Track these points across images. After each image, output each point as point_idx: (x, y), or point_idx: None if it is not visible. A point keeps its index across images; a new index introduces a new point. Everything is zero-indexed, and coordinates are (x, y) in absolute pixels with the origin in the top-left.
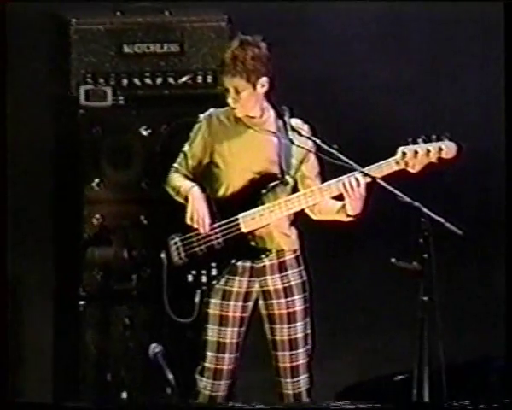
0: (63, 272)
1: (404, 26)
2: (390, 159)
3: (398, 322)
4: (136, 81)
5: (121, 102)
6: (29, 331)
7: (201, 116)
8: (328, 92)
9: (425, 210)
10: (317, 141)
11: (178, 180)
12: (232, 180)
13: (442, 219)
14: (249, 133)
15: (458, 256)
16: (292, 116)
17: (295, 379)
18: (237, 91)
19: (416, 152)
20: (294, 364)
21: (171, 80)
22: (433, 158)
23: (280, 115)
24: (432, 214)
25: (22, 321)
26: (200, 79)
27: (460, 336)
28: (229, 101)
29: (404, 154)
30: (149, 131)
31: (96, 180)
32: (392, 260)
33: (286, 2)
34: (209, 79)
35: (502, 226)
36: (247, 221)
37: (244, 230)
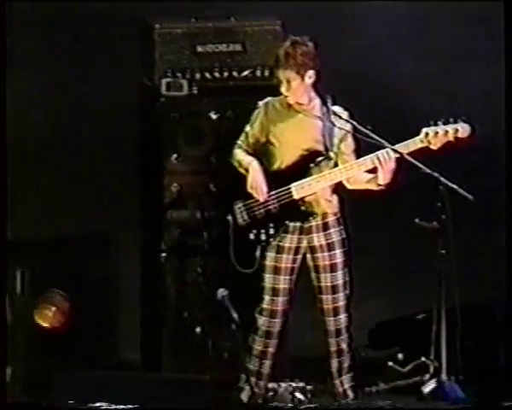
0: (148, 230)
1: (426, 27)
2: (415, 138)
3: (420, 271)
4: (207, 75)
5: (195, 91)
6: (122, 280)
7: (260, 103)
8: (363, 83)
9: (442, 179)
10: (354, 123)
11: (241, 155)
12: (285, 156)
13: (456, 187)
14: (299, 117)
15: (468, 217)
16: (334, 103)
17: (336, 318)
18: (289, 82)
19: (436, 132)
20: (335, 305)
21: (235, 74)
22: (450, 137)
23: (324, 102)
24: (448, 183)
25: (117, 272)
26: (258, 72)
27: (471, 281)
28: (283, 90)
29: (426, 134)
30: (217, 115)
31: (174, 155)
32: (416, 220)
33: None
34: (266, 72)
35: (503, 194)
36: (298, 190)
37: (295, 196)
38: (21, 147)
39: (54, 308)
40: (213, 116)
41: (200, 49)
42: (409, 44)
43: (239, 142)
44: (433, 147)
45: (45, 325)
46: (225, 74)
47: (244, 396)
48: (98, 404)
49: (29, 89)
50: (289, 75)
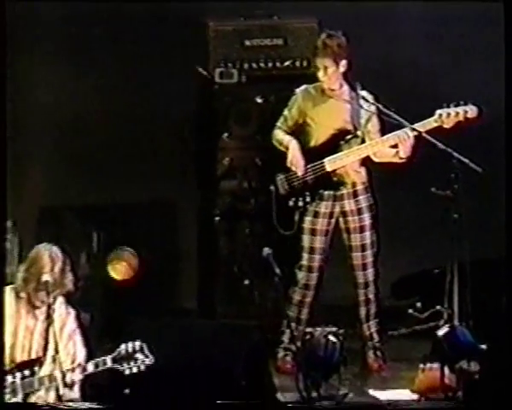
0: (205, 197)
1: (444, 26)
2: (430, 118)
3: (436, 232)
4: (254, 65)
5: (243, 80)
6: (182, 239)
7: (297, 90)
8: (387, 72)
9: (455, 154)
10: (379, 106)
11: (281, 135)
12: (319, 135)
13: (467, 160)
14: (331, 101)
15: (478, 186)
16: (362, 89)
17: (365, 272)
18: (326, 69)
19: (448, 113)
20: (364, 262)
21: (277, 64)
22: (461, 117)
23: (353, 88)
24: (460, 157)
25: (178, 233)
26: (297, 63)
27: (478, 241)
28: (320, 75)
29: (440, 115)
30: (262, 99)
31: (226, 134)
32: (433, 189)
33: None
34: (304, 63)
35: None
36: (331, 163)
37: (328, 169)
38: (92, 122)
39: (124, 263)
40: (259, 100)
41: (247, 43)
42: (428, 40)
43: (278, 124)
44: (445, 126)
45: (117, 277)
46: (269, 65)
47: (285, 338)
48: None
49: (107, 76)
50: (327, 63)
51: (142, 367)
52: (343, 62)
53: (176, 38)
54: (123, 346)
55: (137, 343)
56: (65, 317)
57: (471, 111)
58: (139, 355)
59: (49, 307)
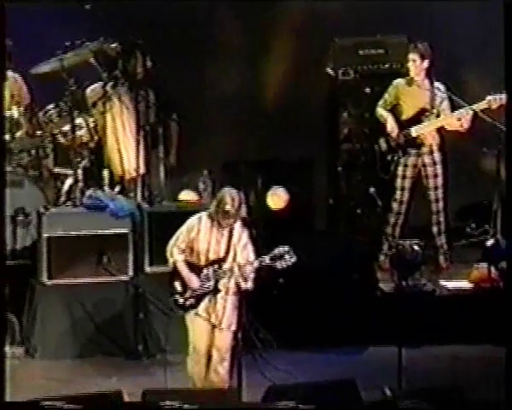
0: (331, 155)
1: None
2: (482, 102)
3: (485, 178)
4: (364, 67)
5: (357, 77)
6: (317, 186)
7: (394, 81)
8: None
9: (498, 125)
10: (449, 93)
11: (382, 112)
12: (408, 111)
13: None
14: (416, 89)
15: None
16: (437, 80)
17: (437, 204)
18: (414, 61)
19: (495, 98)
20: (437, 197)
21: (380, 66)
22: (503, 102)
23: (431, 80)
24: (502, 127)
25: (314, 181)
26: (394, 66)
27: None
28: (409, 65)
29: (489, 100)
30: (370, 90)
31: (345, 113)
32: (484, 149)
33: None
34: (398, 65)
35: None
36: (416, 131)
37: (414, 134)
38: (262, 105)
39: (277, 198)
40: (367, 91)
41: (361, 52)
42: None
43: (380, 103)
44: (493, 107)
45: (273, 207)
46: (375, 67)
47: (385, 247)
48: None
49: (268, 76)
50: (415, 57)
51: (290, 264)
52: (426, 61)
53: (313, 49)
54: (276, 249)
55: (286, 248)
56: (241, 233)
57: (505, 97)
58: (287, 256)
59: (231, 227)
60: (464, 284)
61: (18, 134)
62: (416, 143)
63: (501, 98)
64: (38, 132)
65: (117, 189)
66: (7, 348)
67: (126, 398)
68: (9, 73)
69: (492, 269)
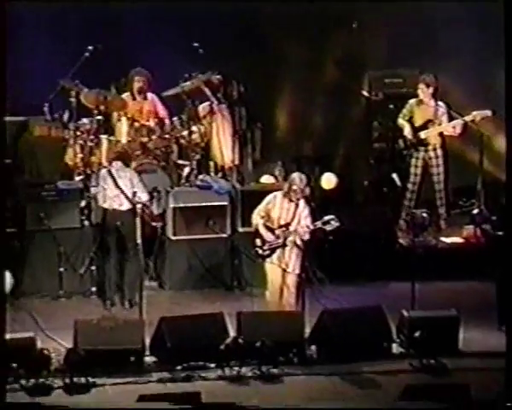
0: (365, 153)
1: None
2: (469, 115)
3: (472, 168)
4: (389, 91)
5: (384, 97)
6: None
7: (409, 101)
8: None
9: (481, 130)
10: (448, 109)
11: (401, 121)
12: (418, 121)
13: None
14: (424, 107)
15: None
16: (440, 100)
17: (439, 183)
18: (422, 89)
19: (479, 114)
20: (439, 181)
21: (400, 90)
22: (487, 115)
23: (436, 100)
24: (485, 132)
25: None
26: (409, 90)
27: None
28: (419, 92)
29: (474, 115)
30: (393, 106)
31: (376, 122)
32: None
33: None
34: (412, 90)
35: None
36: (424, 134)
37: (423, 137)
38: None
39: (328, 181)
40: (391, 107)
41: (386, 80)
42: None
43: (400, 115)
44: (477, 120)
45: (325, 187)
46: (396, 90)
47: (403, 214)
48: None
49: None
50: (424, 87)
51: (335, 227)
52: (431, 87)
53: (353, 78)
54: (326, 217)
55: (332, 216)
56: (304, 206)
57: (488, 112)
58: (333, 222)
59: (297, 202)
60: (458, 240)
61: (153, 137)
62: (424, 143)
63: (482, 114)
64: (166, 136)
65: (219, 175)
66: (146, 282)
67: (226, 318)
68: (149, 94)
69: (477, 230)
